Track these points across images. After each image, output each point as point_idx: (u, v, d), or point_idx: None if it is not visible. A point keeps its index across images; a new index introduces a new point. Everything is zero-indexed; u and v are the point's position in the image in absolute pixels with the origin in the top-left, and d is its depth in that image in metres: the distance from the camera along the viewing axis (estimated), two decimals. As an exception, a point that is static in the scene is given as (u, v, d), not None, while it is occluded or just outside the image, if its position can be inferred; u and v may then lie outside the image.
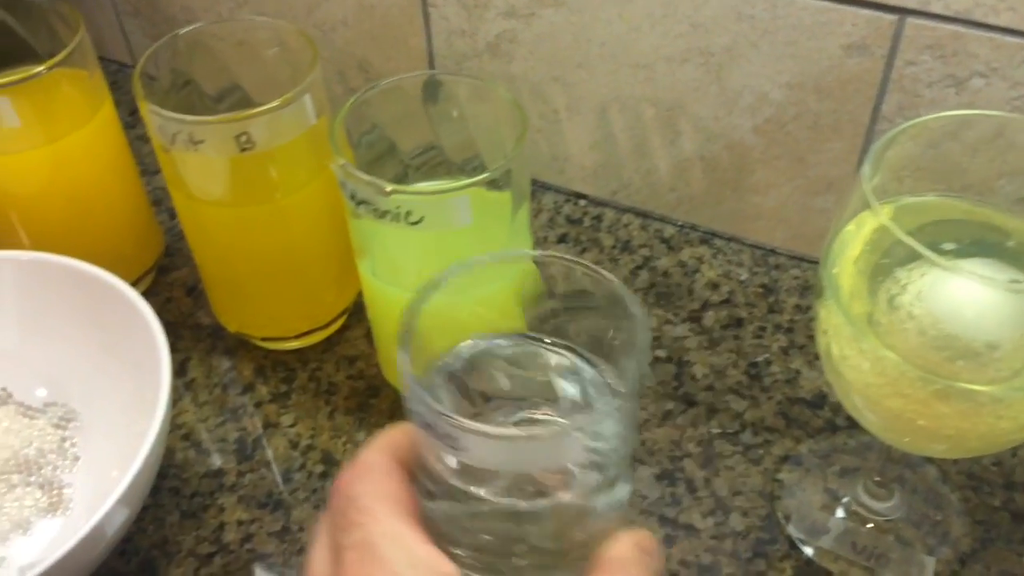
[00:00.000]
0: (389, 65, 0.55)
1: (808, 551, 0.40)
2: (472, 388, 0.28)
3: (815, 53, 0.43)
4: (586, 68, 0.50)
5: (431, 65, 0.54)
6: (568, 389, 0.29)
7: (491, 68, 0.52)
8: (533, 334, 0.29)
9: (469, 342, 0.29)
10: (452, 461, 0.26)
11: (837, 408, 0.45)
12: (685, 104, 0.48)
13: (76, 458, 0.43)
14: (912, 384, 0.30)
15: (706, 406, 0.45)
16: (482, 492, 0.26)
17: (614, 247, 0.53)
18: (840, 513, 0.41)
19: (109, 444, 0.42)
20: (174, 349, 0.45)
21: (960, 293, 0.30)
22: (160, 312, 0.41)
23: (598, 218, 0.55)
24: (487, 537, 0.27)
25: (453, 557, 0.26)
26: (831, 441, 0.44)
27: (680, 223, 0.54)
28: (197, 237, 0.45)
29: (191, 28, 0.42)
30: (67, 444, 0.43)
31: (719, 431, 0.44)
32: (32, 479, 0.42)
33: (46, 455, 0.43)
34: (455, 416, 0.24)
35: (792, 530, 0.40)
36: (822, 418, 0.45)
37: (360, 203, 0.36)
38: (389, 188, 0.35)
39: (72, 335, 0.44)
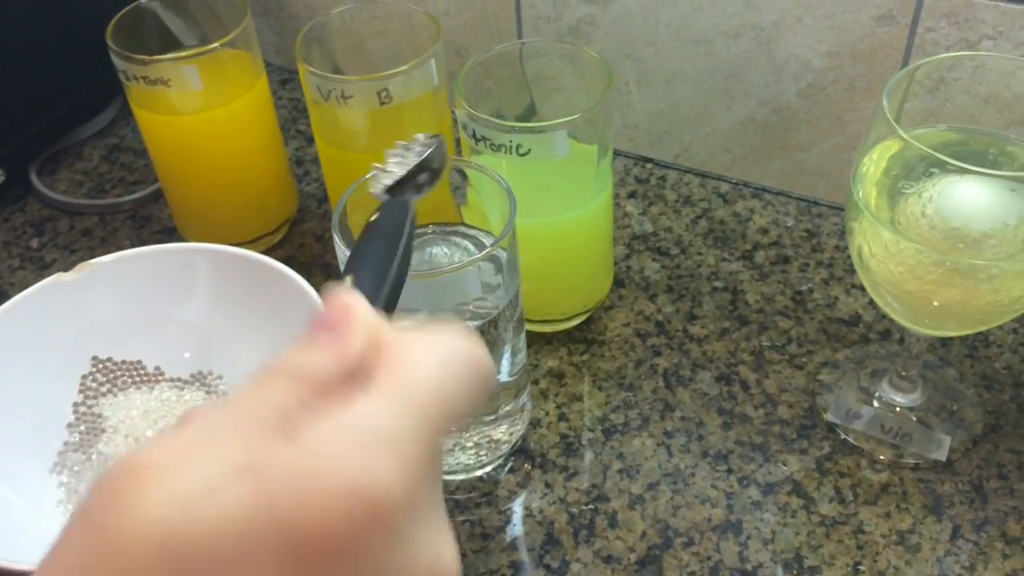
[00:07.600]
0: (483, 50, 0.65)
1: (843, 434, 0.48)
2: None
3: (850, 24, 0.52)
4: (654, 45, 0.59)
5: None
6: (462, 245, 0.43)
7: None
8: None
9: None
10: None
11: (870, 325, 0.53)
12: (739, 74, 0.57)
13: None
14: (926, 268, 0.38)
15: (758, 324, 0.54)
16: None
17: (676, 201, 0.62)
18: (871, 404, 0.49)
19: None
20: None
21: (962, 196, 0.39)
22: (295, 254, 0.51)
23: (663, 178, 0.64)
24: None
25: None
26: (864, 350, 0.51)
27: (734, 180, 0.63)
28: (337, 181, 0.54)
29: (339, 11, 0.52)
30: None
31: (768, 344, 0.53)
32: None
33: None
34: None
35: (830, 417, 0.48)
36: (857, 333, 0.53)
37: (479, 140, 0.45)
38: (507, 124, 0.44)
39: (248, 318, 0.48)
